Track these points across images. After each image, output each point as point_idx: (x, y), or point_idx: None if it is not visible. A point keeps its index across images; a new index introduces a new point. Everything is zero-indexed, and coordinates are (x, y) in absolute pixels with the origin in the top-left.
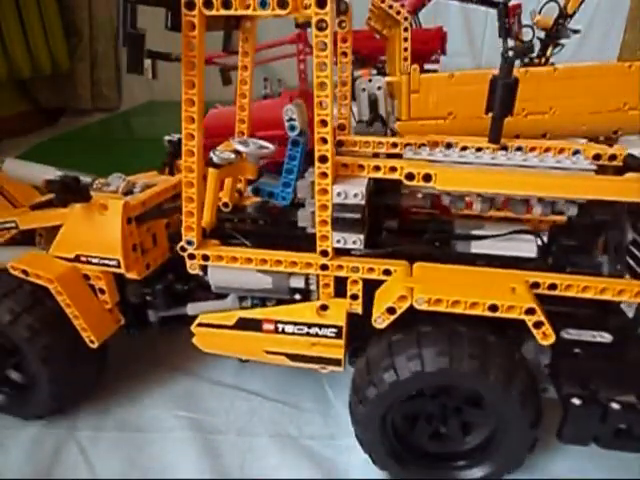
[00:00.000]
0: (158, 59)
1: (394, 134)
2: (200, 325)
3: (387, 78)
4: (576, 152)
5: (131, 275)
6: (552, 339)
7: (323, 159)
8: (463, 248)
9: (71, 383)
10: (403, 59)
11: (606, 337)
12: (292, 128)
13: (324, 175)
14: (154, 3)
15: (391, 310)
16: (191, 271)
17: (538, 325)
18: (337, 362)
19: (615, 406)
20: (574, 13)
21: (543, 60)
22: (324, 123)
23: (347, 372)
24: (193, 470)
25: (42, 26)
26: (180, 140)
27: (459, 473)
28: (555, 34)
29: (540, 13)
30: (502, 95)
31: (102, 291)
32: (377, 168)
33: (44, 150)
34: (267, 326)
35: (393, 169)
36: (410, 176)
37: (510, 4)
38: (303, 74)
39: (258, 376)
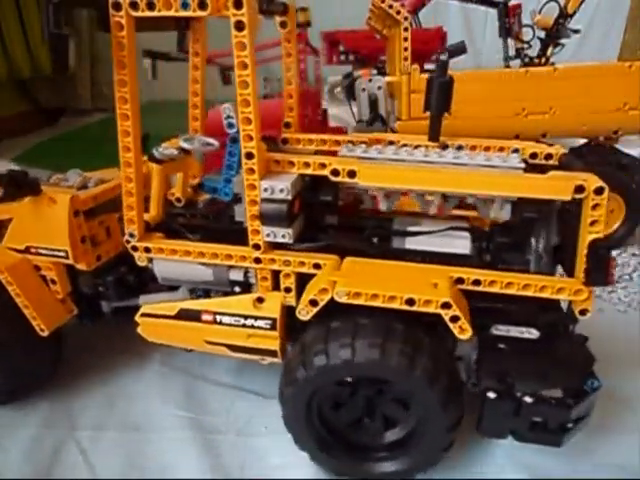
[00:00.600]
0: (157, 59)
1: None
2: (143, 315)
3: (387, 78)
4: (515, 150)
5: (81, 266)
6: (468, 334)
7: (249, 155)
8: (399, 244)
9: (23, 373)
10: (403, 59)
11: (533, 333)
12: (230, 126)
13: (251, 171)
14: (79, 4)
15: (313, 302)
16: (140, 263)
17: (454, 319)
18: (273, 353)
19: (528, 400)
20: (574, 13)
21: (543, 60)
22: (248, 121)
23: None
24: (193, 470)
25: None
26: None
27: (374, 465)
28: (555, 34)
29: (540, 13)
30: (438, 94)
31: (53, 281)
32: (307, 164)
33: (44, 150)
34: (206, 317)
35: (322, 165)
36: (335, 172)
37: (510, 4)
38: (303, 74)
39: (258, 376)
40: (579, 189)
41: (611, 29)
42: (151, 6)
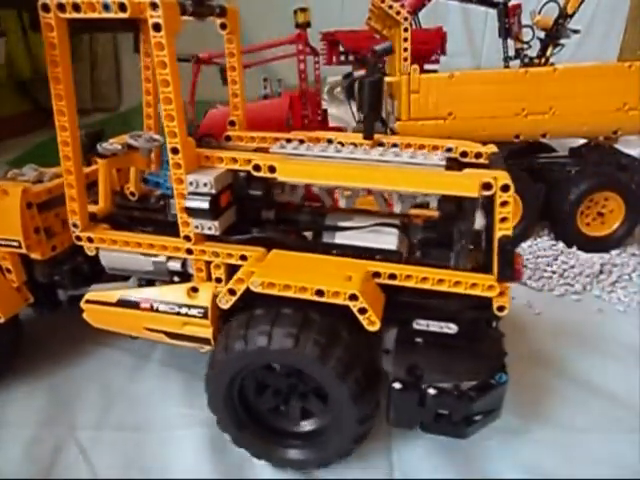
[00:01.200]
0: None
1: (394, 134)
2: (88, 302)
3: (387, 78)
4: (449, 149)
5: (35, 256)
6: (377, 326)
7: (174, 151)
8: (329, 239)
9: None
10: (403, 59)
11: (452, 328)
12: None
13: (178, 166)
14: (10, 5)
15: (231, 291)
16: (89, 253)
17: (362, 311)
18: (207, 341)
19: (432, 391)
20: (574, 13)
21: (543, 60)
22: (171, 118)
23: None
24: (193, 469)
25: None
26: (92, 134)
27: (286, 451)
28: (555, 34)
29: (540, 13)
30: (369, 93)
31: (9, 270)
32: (234, 160)
33: (44, 150)
34: (144, 304)
35: (247, 161)
36: (257, 167)
37: (510, 4)
38: (303, 74)
39: None
40: (487, 186)
41: (611, 29)
42: (77, 8)
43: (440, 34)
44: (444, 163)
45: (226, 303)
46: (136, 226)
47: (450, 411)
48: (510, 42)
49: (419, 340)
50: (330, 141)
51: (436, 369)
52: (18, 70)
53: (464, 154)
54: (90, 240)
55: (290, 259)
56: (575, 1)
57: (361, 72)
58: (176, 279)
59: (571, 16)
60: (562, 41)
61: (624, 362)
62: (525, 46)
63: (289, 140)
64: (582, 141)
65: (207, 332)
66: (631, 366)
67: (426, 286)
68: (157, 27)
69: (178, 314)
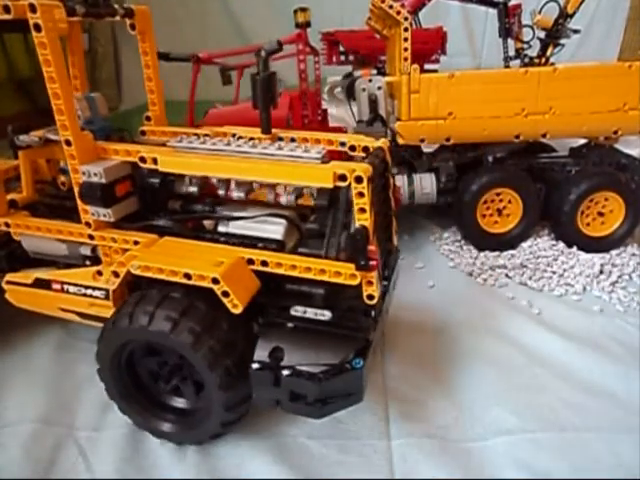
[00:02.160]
0: (158, 59)
1: (394, 134)
2: (8, 283)
3: (387, 78)
4: (342, 143)
5: None
6: (239, 309)
7: (67, 143)
8: (224, 228)
9: None
10: (403, 59)
11: (326, 315)
12: (77, 117)
13: (72, 157)
14: None
15: (115, 273)
16: (15, 238)
17: (225, 294)
18: None
19: (285, 372)
20: (574, 13)
21: (543, 60)
22: (60, 112)
23: None
24: (192, 470)
25: None
26: (19, 127)
27: (162, 424)
28: (555, 34)
29: (540, 13)
30: (261, 89)
31: None
32: (128, 153)
33: None
34: (55, 286)
35: (137, 153)
36: (143, 159)
37: (510, 4)
38: (303, 74)
39: None
40: (342, 178)
41: (611, 29)
42: None
43: (440, 34)
44: (320, 156)
45: (112, 285)
46: (53, 213)
47: (305, 392)
48: (510, 42)
49: (290, 325)
50: (234, 136)
51: (296, 352)
52: (18, 69)
53: (352, 148)
54: (7, 225)
55: (175, 245)
56: (575, 1)
57: (361, 72)
58: (88, 263)
59: (571, 16)
60: (562, 41)
61: (624, 362)
62: (525, 46)
63: (197, 135)
64: (582, 141)
65: (110, 313)
66: (631, 366)
67: (295, 273)
68: (37, 28)
69: (84, 295)
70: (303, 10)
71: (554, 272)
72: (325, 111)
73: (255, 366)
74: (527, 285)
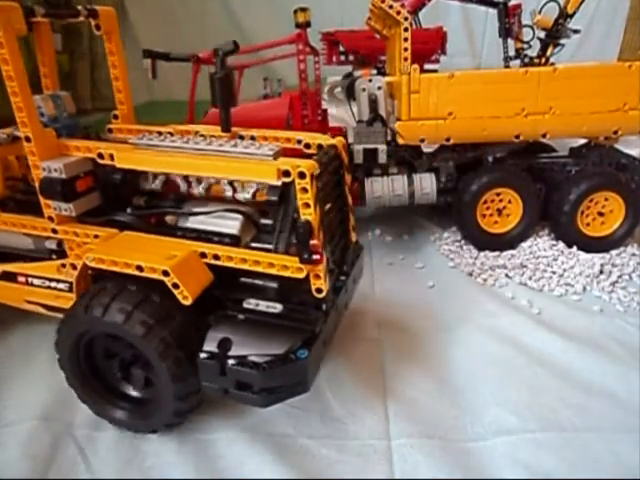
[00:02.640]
0: (158, 59)
1: (394, 134)
2: None
3: (387, 78)
4: (299, 141)
5: None
6: (189, 301)
7: (27, 139)
8: (184, 223)
9: None
10: (403, 59)
11: (277, 308)
12: (42, 115)
13: (32, 153)
14: None
15: (73, 266)
16: None
17: (175, 286)
18: None
19: (230, 362)
20: (574, 13)
21: (543, 60)
22: (20, 109)
23: (346, 375)
24: (192, 470)
25: None
26: None
27: (118, 412)
28: (555, 34)
29: (540, 13)
30: (220, 88)
31: None
32: (88, 149)
33: None
34: (20, 279)
35: (97, 150)
36: (100, 155)
37: (510, 4)
38: (303, 74)
39: None
40: (285, 173)
41: (611, 29)
42: None
43: (440, 34)
44: (272, 153)
45: (71, 277)
46: (22, 209)
47: (250, 381)
48: (510, 42)
49: (241, 317)
50: (196, 133)
51: (244, 343)
52: None
53: (307, 146)
54: None
55: (133, 239)
56: (575, 1)
57: (361, 72)
58: (54, 257)
59: (571, 16)
60: (562, 41)
61: (624, 362)
62: (525, 46)
63: (159, 133)
64: (582, 141)
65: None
66: (631, 366)
67: (245, 267)
68: None
69: (49, 288)
70: (303, 10)
71: (554, 272)
72: (325, 111)
73: (202, 356)
74: (527, 285)
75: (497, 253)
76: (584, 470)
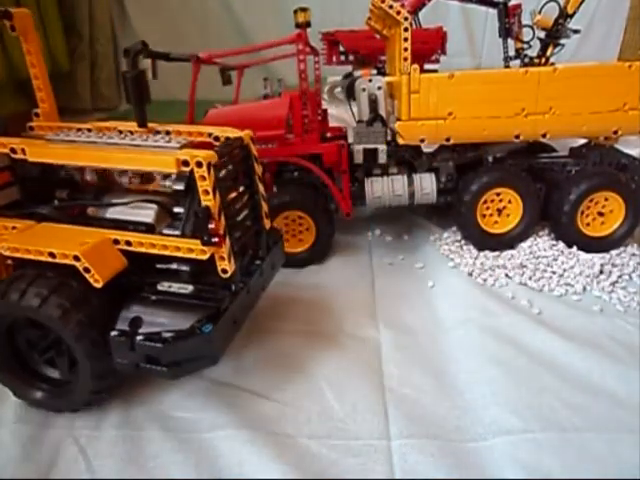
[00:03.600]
0: (158, 59)
1: (394, 134)
2: None
3: (387, 78)
4: (209, 134)
5: None
6: (100, 284)
7: None
8: (103, 213)
9: None
10: (403, 59)
11: (188, 289)
12: None
13: None
14: None
15: None
16: None
17: (86, 270)
18: None
19: (139, 338)
20: (574, 13)
21: (543, 60)
22: None
23: (346, 374)
24: (192, 469)
25: (42, 26)
26: None
27: (33, 391)
28: (555, 34)
29: (540, 13)
30: (132, 87)
31: None
32: (3, 145)
33: None
34: None
35: (10, 144)
36: (13, 150)
37: (510, 4)
38: (303, 74)
39: (256, 375)
40: (185, 163)
41: (611, 29)
42: None
43: (440, 34)
44: (178, 145)
45: None
46: None
47: (158, 355)
48: (510, 42)
49: (153, 298)
50: (120, 131)
51: (153, 321)
52: (18, 69)
53: (217, 138)
54: None
55: (50, 230)
56: (575, 1)
57: (361, 72)
58: None
59: (571, 16)
60: (562, 41)
61: (624, 362)
62: (525, 46)
63: (79, 129)
64: (582, 141)
65: None
66: (631, 366)
67: (155, 251)
68: None
69: None
70: (303, 10)
71: (554, 272)
72: (325, 111)
73: (114, 333)
74: (527, 285)
75: (497, 253)
76: (584, 470)
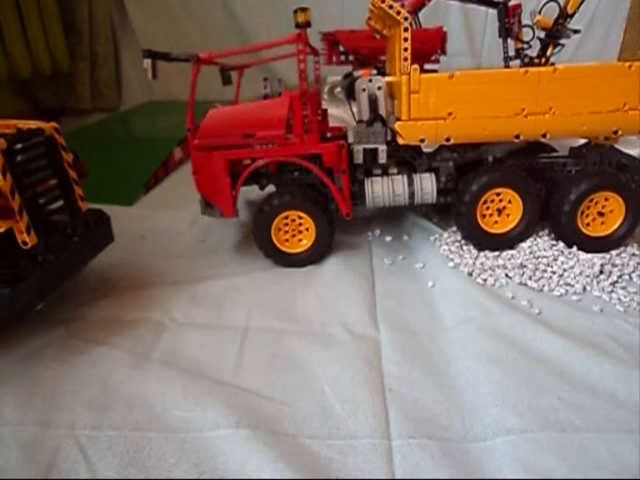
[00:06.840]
0: (158, 59)
1: (394, 134)
2: None
3: (387, 78)
4: (15, 126)
5: None
6: None
7: None
8: None
9: None
10: (403, 59)
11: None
12: None
13: None
14: None
15: None
16: None
17: None
18: None
19: None
20: (574, 13)
21: (543, 60)
22: None
23: (346, 374)
24: (192, 469)
25: (42, 26)
26: None
27: None
28: (555, 34)
29: (540, 13)
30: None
31: None
32: None
33: None
34: None
35: None
36: None
37: (510, 4)
38: (303, 74)
39: (256, 375)
40: None
41: (611, 29)
42: None
43: (440, 34)
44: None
45: None
46: None
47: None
48: (510, 42)
49: None
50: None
51: None
52: (17, 68)
53: (20, 130)
54: None
55: None
56: (575, 1)
57: (361, 72)
58: None
59: (571, 16)
60: (562, 41)
61: (624, 362)
62: (525, 46)
63: None
64: (582, 141)
65: None
66: (631, 366)
67: None
68: None
69: None
70: (303, 10)
71: (554, 272)
72: (325, 111)
73: None
74: (527, 285)
75: (497, 253)
76: (584, 470)
